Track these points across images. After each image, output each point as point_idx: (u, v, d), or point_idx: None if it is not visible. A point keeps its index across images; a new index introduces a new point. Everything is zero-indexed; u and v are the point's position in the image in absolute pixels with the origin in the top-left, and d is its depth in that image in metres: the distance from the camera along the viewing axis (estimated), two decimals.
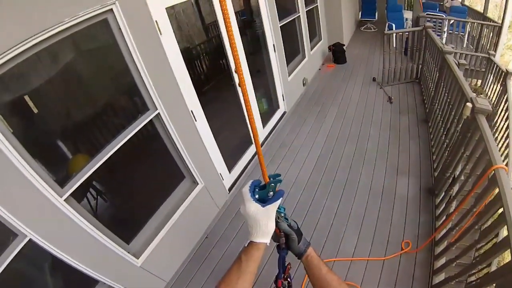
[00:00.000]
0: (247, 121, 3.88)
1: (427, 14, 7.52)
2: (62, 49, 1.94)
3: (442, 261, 2.35)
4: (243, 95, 0.79)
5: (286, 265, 1.05)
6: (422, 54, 5.29)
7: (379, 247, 2.75)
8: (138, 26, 2.20)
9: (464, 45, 7.96)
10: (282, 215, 0.96)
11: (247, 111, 0.84)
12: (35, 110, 1.94)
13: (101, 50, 2.29)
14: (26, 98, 1.86)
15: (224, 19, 0.66)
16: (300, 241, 1.00)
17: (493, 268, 2.12)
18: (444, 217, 2.61)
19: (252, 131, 0.90)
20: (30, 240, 1.73)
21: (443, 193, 2.80)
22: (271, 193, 0.91)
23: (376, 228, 2.93)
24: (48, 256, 1.89)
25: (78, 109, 2.23)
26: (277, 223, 0.92)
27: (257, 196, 0.90)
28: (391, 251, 2.68)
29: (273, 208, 0.87)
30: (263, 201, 0.89)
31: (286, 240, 0.99)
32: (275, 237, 0.98)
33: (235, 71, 3.04)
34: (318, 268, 0.98)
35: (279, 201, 0.89)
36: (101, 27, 2.04)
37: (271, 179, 0.93)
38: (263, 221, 0.86)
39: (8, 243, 1.70)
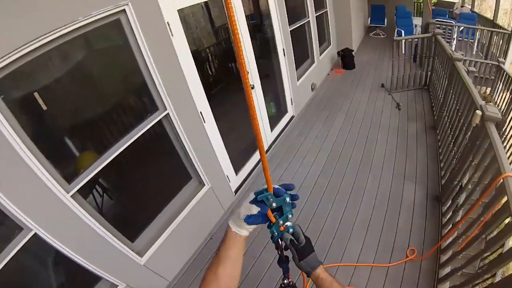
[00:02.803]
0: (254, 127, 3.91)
1: (436, 20, 7.49)
2: (75, 48, 1.98)
3: (447, 269, 2.32)
4: (248, 104, 0.76)
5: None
6: (431, 61, 5.26)
7: (384, 253, 2.72)
8: (150, 27, 2.23)
9: (474, 52, 7.90)
10: (281, 222, 0.91)
11: (252, 120, 0.82)
12: (45, 107, 1.97)
13: (113, 50, 2.33)
14: (37, 95, 1.89)
15: (230, 24, 0.64)
16: (304, 258, 0.95)
17: (498, 278, 2.09)
18: (451, 225, 2.57)
19: (259, 146, 0.88)
20: (35, 234, 1.74)
21: (450, 201, 2.77)
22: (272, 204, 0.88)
23: (381, 234, 2.90)
24: (52, 250, 1.92)
25: (87, 107, 2.27)
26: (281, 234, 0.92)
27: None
28: (396, 258, 2.65)
29: (248, 207, 0.86)
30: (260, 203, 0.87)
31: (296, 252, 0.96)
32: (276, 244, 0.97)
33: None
34: None
35: (254, 209, 0.86)
36: (113, 27, 2.07)
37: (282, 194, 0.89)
38: (240, 204, 0.88)
39: (13, 236, 1.72)
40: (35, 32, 1.60)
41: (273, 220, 0.89)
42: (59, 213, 1.87)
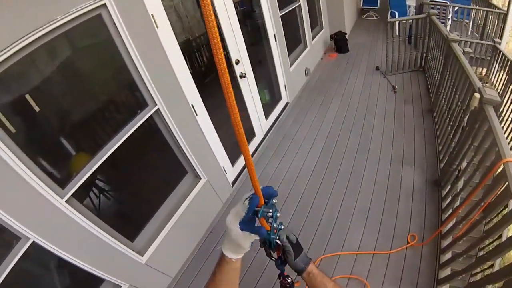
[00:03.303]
0: (249, 113, 3.90)
1: (430, 1, 7.37)
2: (57, 47, 1.89)
3: (448, 255, 2.32)
4: (227, 101, 0.65)
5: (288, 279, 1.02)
6: (426, 42, 5.18)
7: (385, 240, 2.72)
8: (133, 21, 2.14)
9: (469, 33, 7.80)
10: (276, 225, 0.87)
11: (235, 126, 0.71)
12: (36, 109, 1.90)
13: (97, 47, 2.23)
14: (23, 98, 1.82)
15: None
16: (298, 256, 0.93)
17: (496, 268, 2.09)
18: (450, 210, 2.57)
19: (243, 152, 0.77)
20: (33, 242, 1.72)
21: (449, 186, 2.75)
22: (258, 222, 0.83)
23: (381, 220, 2.90)
24: (53, 256, 1.88)
25: (75, 108, 2.19)
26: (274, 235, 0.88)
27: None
28: (397, 245, 2.66)
29: (245, 237, 0.81)
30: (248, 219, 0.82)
31: (282, 253, 0.94)
32: (267, 250, 0.93)
33: (236, 63, 2.94)
34: (323, 285, 0.93)
35: (254, 236, 0.82)
36: (95, 23, 1.98)
37: (268, 203, 0.84)
38: (233, 238, 0.82)
39: (12, 246, 1.70)
40: (13, 36, 1.52)
41: (268, 228, 0.85)
42: (55, 219, 1.83)
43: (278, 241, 0.90)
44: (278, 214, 0.86)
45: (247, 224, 0.80)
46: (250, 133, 4.14)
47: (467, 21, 7.87)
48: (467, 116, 2.67)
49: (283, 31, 4.75)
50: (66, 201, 1.86)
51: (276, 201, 0.85)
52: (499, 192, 1.81)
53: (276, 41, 4.53)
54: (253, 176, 0.76)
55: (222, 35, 3.39)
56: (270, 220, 0.85)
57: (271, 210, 0.82)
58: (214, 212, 3.33)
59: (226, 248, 0.84)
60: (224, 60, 0.59)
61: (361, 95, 5.09)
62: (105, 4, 1.94)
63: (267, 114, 4.51)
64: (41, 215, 1.76)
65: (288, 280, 1.02)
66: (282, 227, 0.90)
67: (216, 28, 0.55)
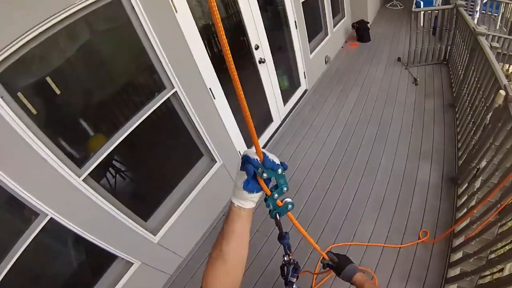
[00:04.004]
0: (267, 98, 3.87)
1: None
2: (76, 31, 1.91)
3: (459, 254, 2.29)
4: (233, 83, 0.72)
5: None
6: (451, 34, 4.98)
7: (396, 233, 2.71)
8: (152, 5, 2.13)
9: (497, 27, 7.43)
10: (277, 196, 0.85)
11: (239, 99, 0.77)
12: (57, 91, 1.94)
13: (116, 30, 2.25)
14: (44, 80, 1.86)
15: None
16: (342, 272, 1.27)
17: (506, 272, 2.05)
18: (465, 209, 2.52)
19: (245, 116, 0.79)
20: (51, 218, 1.79)
21: (466, 184, 2.69)
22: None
23: (394, 213, 2.88)
24: (69, 232, 1.96)
25: (94, 90, 2.23)
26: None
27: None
28: (408, 239, 2.64)
29: (238, 174, 0.81)
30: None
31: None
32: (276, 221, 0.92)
33: (255, 48, 2.92)
34: None
35: (244, 174, 0.80)
36: (114, 7, 1.98)
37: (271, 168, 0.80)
38: (236, 182, 0.82)
39: (31, 221, 1.77)
40: (32, 21, 1.55)
41: (268, 192, 0.84)
42: (72, 197, 1.90)
43: (278, 215, 0.90)
44: (285, 189, 0.85)
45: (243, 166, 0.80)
46: (267, 118, 4.16)
47: (496, 14, 7.49)
48: (490, 114, 2.58)
49: (304, 18, 4.65)
50: (83, 180, 1.92)
51: (281, 171, 0.82)
52: None
53: (296, 27, 4.45)
54: (253, 135, 0.79)
55: (242, 20, 3.36)
56: (282, 193, 0.86)
57: (265, 173, 0.79)
58: (228, 195, 3.33)
59: (233, 195, 0.84)
60: (227, 46, 0.64)
61: (381, 86, 4.97)
62: None
63: (285, 100, 4.49)
64: (58, 193, 1.83)
65: (285, 259, 1.10)
66: (290, 206, 0.88)
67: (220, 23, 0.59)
